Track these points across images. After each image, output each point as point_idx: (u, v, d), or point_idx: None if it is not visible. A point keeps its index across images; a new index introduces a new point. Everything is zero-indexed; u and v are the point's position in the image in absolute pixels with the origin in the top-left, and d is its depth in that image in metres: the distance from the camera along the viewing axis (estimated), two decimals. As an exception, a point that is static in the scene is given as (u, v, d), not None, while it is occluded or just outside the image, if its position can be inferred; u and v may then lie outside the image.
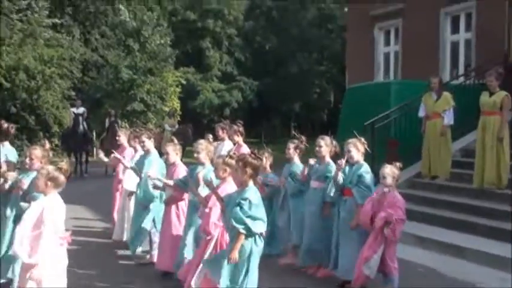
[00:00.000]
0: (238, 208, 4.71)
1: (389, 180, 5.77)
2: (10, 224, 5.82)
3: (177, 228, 6.41)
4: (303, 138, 7.18)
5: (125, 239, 8.06)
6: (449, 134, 9.81)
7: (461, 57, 14.19)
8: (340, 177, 6.17)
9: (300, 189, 7.08)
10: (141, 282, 6.40)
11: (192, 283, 5.08)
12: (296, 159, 7.18)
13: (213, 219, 5.23)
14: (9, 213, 5.87)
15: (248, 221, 4.67)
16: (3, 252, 5.80)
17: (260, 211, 4.78)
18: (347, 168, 6.25)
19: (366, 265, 5.71)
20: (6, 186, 5.89)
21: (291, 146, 7.19)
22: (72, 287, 5.26)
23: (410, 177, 10.19)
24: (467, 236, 7.80)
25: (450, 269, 6.93)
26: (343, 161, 6.21)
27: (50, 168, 4.66)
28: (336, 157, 6.73)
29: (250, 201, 4.71)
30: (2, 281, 5.76)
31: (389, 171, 5.77)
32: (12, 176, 5.88)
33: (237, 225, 4.68)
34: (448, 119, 9.68)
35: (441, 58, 14.34)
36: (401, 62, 15.70)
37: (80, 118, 16.98)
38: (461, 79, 12.32)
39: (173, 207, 6.50)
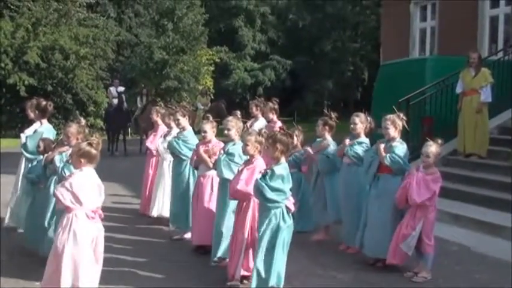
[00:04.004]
0: (260, 176, 4.83)
1: (432, 160, 5.69)
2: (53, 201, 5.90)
3: (210, 202, 6.45)
4: (333, 115, 7.13)
5: (155, 214, 8.23)
6: (486, 111, 9.60)
7: (500, 33, 13.79)
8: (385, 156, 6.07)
9: (333, 165, 7.05)
10: (177, 257, 6.50)
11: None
12: (327, 136, 7.14)
13: (240, 184, 5.25)
14: (53, 189, 5.92)
15: (264, 187, 4.79)
16: (46, 225, 5.92)
17: (280, 183, 4.86)
18: (382, 144, 6.18)
19: (404, 243, 5.68)
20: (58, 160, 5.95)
21: (321, 123, 7.16)
22: (108, 261, 5.41)
23: (446, 155, 10.02)
24: (502, 214, 7.67)
25: (485, 247, 6.84)
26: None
27: (82, 144, 4.70)
28: (370, 133, 6.67)
29: (273, 172, 4.82)
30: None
31: (434, 150, 5.67)
32: (67, 149, 5.85)
33: (257, 193, 4.85)
34: (485, 95, 9.46)
35: (479, 33, 13.95)
36: (438, 38, 15.35)
37: (124, 96, 17.29)
38: (500, 54, 12.00)
39: (205, 181, 6.54)
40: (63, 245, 4.52)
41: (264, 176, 4.87)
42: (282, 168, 4.90)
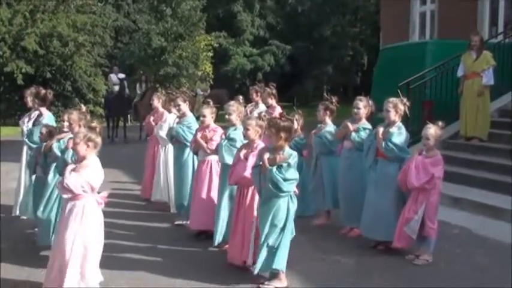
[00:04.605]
0: (275, 169, 4.81)
1: (432, 142, 5.69)
2: (52, 189, 5.87)
3: (209, 187, 6.46)
4: (334, 99, 7.12)
5: (154, 198, 8.26)
6: (488, 94, 9.58)
7: (500, 16, 13.71)
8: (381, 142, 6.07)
9: (330, 148, 7.08)
10: (179, 242, 6.51)
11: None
12: (328, 121, 7.14)
13: (247, 172, 5.25)
14: (52, 178, 5.89)
15: (281, 182, 4.80)
16: (45, 216, 5.91)
17: (293, 172, 4.90)
18: (381, 128, 6.17)
19: (408, 226, 5.71)
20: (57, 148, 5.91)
21: (321, 107, 7.16)
22: (110, 247, 5.43)
23: (446, 139, 10.01)
24: (503, 196, 7.68)
25: (486, 230, 6.86)
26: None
27: (85, 129, 4.73)
28: (371, 117, 6.66)
29: (289, 164, 4.85)
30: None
31: (433, 132, 5.67)
32: (66, 135, 5.86)
33: (271, 187, 4.83)
34: (487, 78, 9.43)
35: (479, 17, 13.87)
36: (438, 21, 15.28)
37: (125, 82, 17.26)
38: (500, 37, 11.95)
39: (205, 166, 6.54)
40: (74, 233, 4.53)
41: (279, 168, 4.85)
42: (294, 157, 4.93)
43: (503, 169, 8.40)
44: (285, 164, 4.86)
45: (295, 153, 4.99)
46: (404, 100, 6.15)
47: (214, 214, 6.18)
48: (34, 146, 6.75)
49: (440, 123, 5.78)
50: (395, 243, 5.87)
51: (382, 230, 5.98)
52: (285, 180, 4.84)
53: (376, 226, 6.03)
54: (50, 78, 21.83)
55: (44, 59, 21.80)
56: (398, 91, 6.29)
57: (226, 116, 6.12)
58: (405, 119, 6.50)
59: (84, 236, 4.52)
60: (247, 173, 5.23)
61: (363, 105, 6.64)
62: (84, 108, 6.06)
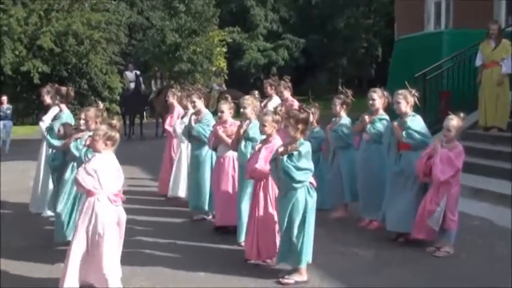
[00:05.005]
0: (285, 158, 4.82)
1: (453, 133, 5.64)
2: (69, 186, 5.94)
3: (230, 183, 6.45)
4: (349, 92, 7.08)
5: (180, 195, 8.27)
6: (507, 83, 9.46)
7: (517, 4, 13.52)
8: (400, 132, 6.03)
9: (347, 142, 7.06)
10: (198, 237, 6.52)
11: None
12: (343, 114, 7.12)
13: (258, 163, 5.26)
14: (69, 175, 5.95)
15: (292, 170, 4.79)
16: (60, 212, 5.97)
17: (306, 162, 4.88)
18: (396, 122, 6.14)
19: (431, 218, 5.65)
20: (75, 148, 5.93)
21: (337, 101, 7.12)
22: (129, 243, 5.45)
23: (465, 129, 9.90)
24: (524, 186, 7.60)
25: (507, 221, 6.77)
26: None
27: (105, 127, 4.74)
28: (388, 109, 6.62)
29: (300, 152, 4.83)
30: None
31: (456, 124, 5.61)
32: (83, 135, 5.87)
33: (283, 175, 4.83)
34: (507, 67, 9.30)
35: (495, 5, 13.68)
36: (453, 11, 15.08)
37: (141, 79, 17.34)
38: (518, 26, 11.79)
39: (226, 162, 6.53)
40: (86, 229, 4.56)
41: (290, 156, 4.84)
42: (306, 147, 4.91)
43: (523, 159, 8.30)
44: (295, 152, 4.85)
45: (307, 143, 4.96)
46: (413, 91, 6.10)
47: (235, 210, 6.21)
48: (53, 141, 6.76)
49: (462, 114, 5.73)
50: (415, 234, 5.82)
51: (407, 222, 5.92)
52: (297, 169, 4.81)
53: (402, 219, 5.97)
54: (66, 77, 22.01)
55: (59, 58, 21.99)
56: (406, 83, 6.23)
57: (241, 110, 6.11)
58: (422, 110, 6.45)
59: (95, 232, 4.53)
60: (258, 165, 5.23)
61: (377, 96, 6.61)
62: (101, 105, 6.09)
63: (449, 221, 5.66)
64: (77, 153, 5.82)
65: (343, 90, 7.15)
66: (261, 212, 5.36)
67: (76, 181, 4.66)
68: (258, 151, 5.37)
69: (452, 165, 5.59)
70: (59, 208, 5.96)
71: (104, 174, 4.58)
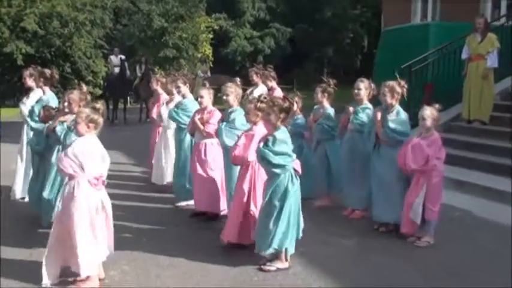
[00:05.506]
0: (262, 144, 4.86)
1: (428, 123, 5.66)
2: (54, 170, 5.86)
3: (205, 169, 6.46)
4: (331, 81, 7.08)
5: (164, 183, 8.23)
6: (492, 77, 9.53)
7: (503, -2, 13.59)
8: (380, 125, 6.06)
9: (331, 134, 7.09)
10: (181, 223, 6.53)
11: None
12: (326, 104, 7.12)
13: (237, 150, 5.29)
14: (55, 159, 5.85)
15: (268, 154, 4.81)
16: (47, 197, 5.92)
17: (284, 146, 4.91)
18: (379, 113, 6.15)
19: (411, 211, 5.71)
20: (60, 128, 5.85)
21: (319, 90, 7.14)
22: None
23: (447, 121, 10.00)
24: (506, 179, 7.66)
25: (488, 213, 6.85)
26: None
27: (88, 110, 4.68)
28: (374, 100, 6.63)
29: (274, 137, 4.86)
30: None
31: (429, 113, 5.65)
32: (69, 118, 5.81)
33: (261, 161, 4.90)
34: (492, 61, 9.38)
35: (482, -1, 13.76)
36: (440, 4, 15.14)
37: (126, 64, 17.18)
38: (503, 20, 11.85)
39: (201, 148, 6.53)
40: (67, 212, 4.51)
41: (266, 143, 4.87)
42: (282, 132, 4.93)
43: (505, 152, 8.37)
44: (270, 138, 4.87)
45: (283, 128, 4.96)
46: (402, 83, 6.11)
47: (215, 196, 6.21)
48: (35, 124, 6.66)
49: (437, 105, 5.76)
50: (402, 228, 5.88)
51: (390, 212, 5.99)
52: (274, 153, 4.83)
53: (386, 209, 6.03)
54: (49, 60, 21.72)
55: (43, 40, 21.67)
56: (396, 74, 6.23)
57: (224, 97, 6.08)
58: (406, 102, 6.47)
59: (75, 216, 4.47)
60: (237, 151, 5.28)
61: (364, 87, 6.61)
62: (85, 88, 6.01)
63: (429, 212, 5.71)
64: (62, 136, 5.75)
65: (325, 79, 7.16)
66: (245, 198, 5.35)
67: (57, 166, 4.63)
68: (238, 138, 5.39)
69: (423, 153, 5.62)
70: (46, 193, 5.91)
71: (86, 157, 4.51)
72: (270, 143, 4.86)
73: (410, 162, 5.62)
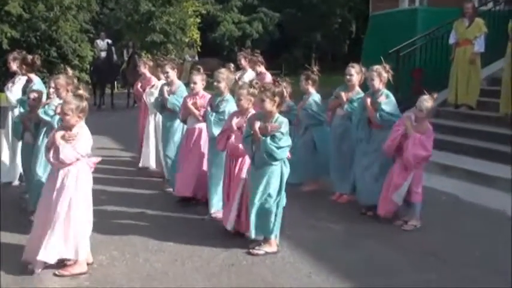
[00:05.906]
0: (269, 139, 4.82)
1: (425, 114, 5.69)
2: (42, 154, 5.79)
3: (198, 155, 6.43)
4: (315, 68, 7.09)
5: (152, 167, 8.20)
6: (479, 61, 9.58)
7: (491, -17, 13.60)
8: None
9: (318, 119, 7.09)
10: (167, 208, 6.51)
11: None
12: (312, 90, 7.12)
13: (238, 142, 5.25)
14: (41, 142, 5.76)
15: (276, 151, 4.83)
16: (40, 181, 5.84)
17: (288, 140, 4.94)
18: (369, 99, 6.16)
19: (397, 193, 5.74)
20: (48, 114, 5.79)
21: (303, 77, 7.16)
22: (99, 212, 5.41)
23: (436, 106, 10.01)
24: (492, 164, 7.74)
25: (474, 197, 6.91)
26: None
27: (74, 100, 4.58)
28: (363, 85, 6.64)
29: (282, 133, 4.86)
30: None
31: (429, 105, 5.65)
32: (50, 101, 5.78)
33: (266, 156, 4.85)
34: (479, 46, 9.42)
35: (470, -17, 13.75)
36: (428, -12, 15.15)
37: (113, 48, 17.03)
38: (490, 5, 11.88)
39: (195, 133, 6.48)
40: (66, 198, 4.49)
41: (273, 138, 4.83)
42: (287, 125, 4.94)
43: (491, 137, 8.45)
44: (278, 133, 4.85)
45: (286, 121, 4.98)
46: (387, 67, 6.12)
47: (203, 182, 6.19)
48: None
49: (435, 95, 5.79)
50: (380, 210, 5.92)
51: (376, 195, 6.01)
52: (279, 148, 4.84)
53: (372, 192, 6.06)
54: (35, 44, 21.45)
55: (28, 24, 21.38)
56: (382, 58, 6.24)
57: (215, 83, 6.02)
58: (394, 87, 6.48)
59: (79, 200, 4.52)
60: (231, 141, 5.27)
61: (355, 72, 6.59)
62: (71, 72, 5.93)
63: (414, 194, 5.78)
64: (46, 118, 5.70)
65: (309, 67, 7.18)
66: (237, 185, 5.33)
67: (54, 159, 4.53)
68: (238, 128, 5.33)
69: (426, 150, 5.68)
70: (37, 177, 5.76)
71: (84, 146, 4.56)
72: (277, 139, 4.84)
73: (411, 157, 5.63)
